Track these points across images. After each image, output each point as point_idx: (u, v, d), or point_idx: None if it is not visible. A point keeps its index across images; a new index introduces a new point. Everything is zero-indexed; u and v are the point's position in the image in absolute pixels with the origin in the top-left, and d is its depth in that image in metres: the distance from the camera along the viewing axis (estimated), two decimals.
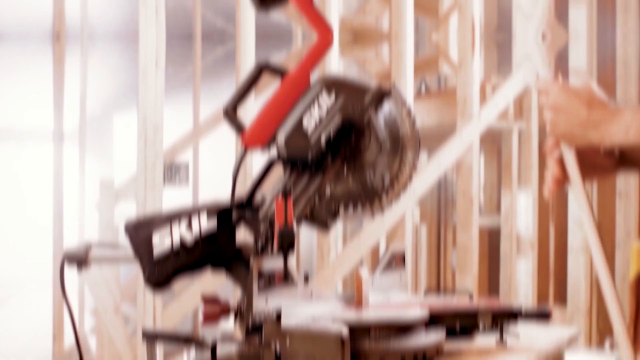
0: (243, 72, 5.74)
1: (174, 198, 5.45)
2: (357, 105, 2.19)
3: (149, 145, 5.26)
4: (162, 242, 2.05)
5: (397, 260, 2.50)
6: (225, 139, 6.27)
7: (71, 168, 9.97)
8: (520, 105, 7.77)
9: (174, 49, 12.95)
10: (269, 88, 2.99)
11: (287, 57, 9.30)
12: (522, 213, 8.00)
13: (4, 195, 17.65)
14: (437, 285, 9.66)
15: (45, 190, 10.44)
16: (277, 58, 13.39)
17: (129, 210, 5.53)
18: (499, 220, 8.20)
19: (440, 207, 9.98)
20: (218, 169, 8.99)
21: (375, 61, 8.47)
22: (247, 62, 5.75)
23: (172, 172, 6.06)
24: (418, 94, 9.18)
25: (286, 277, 1.93)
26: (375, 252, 8.72)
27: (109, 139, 17.77)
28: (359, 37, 7.87)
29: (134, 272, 7.89)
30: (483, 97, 7.30)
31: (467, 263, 7.00)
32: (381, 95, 2.23)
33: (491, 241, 9.10)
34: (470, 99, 6.98)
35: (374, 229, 6.43)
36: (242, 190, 2.13)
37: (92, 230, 7.87)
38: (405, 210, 6.47)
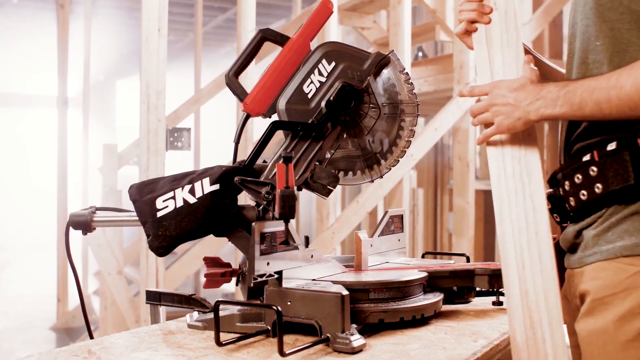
0: (244, 39, 5.76)
1: (176, 163, 5.52)
2: (357, 72, 2.23)
3: (152, 110, 5.30)
4: (165, 206, 2.08)
5: (395, 224, 2.54)
6: (227, 105, 6.31)
7: (75, 133, 10.00)
8: None
9: (176, 16, 12.98)
10: (269, 55, 3.02)
11: (288, 25, 9.27)
12: None
13: (9, 160, 17.72)
14: (434, 248, 9.71)
15: (50, 155, 10.50)
16: (278, 25, 13.39)
17: (132, 175, 5.58)
18: None
19: (437, 171, 10.02)
20: (219, 135, 9.04)
21: (373, 28, 8.47)
22: (248, 30, 5.77)
23: (175, 137, 6.08)
24: (415, 61, 9.19)
25: (287, 240, 1.96)
26: (373, 215, 8.79)
27: (112, 105, 17.80)
28: (358, 4, 7.85)
29: (137, 235, 7.94)
30: None
31: (463, 226, 7.05)
32: (380, 62, 2.28)
33: (487, 205, 9.14)
34: (466, 65, 7.00)
35: (373, 193, 6.48)
36: (244, 155, 2.17)
37: (95, 194, 7.91)
38: (403, 174, 6.52)
